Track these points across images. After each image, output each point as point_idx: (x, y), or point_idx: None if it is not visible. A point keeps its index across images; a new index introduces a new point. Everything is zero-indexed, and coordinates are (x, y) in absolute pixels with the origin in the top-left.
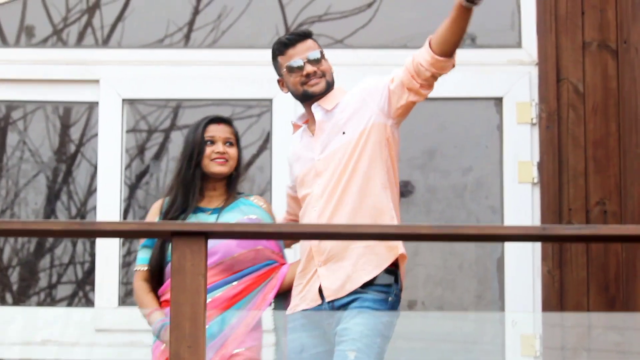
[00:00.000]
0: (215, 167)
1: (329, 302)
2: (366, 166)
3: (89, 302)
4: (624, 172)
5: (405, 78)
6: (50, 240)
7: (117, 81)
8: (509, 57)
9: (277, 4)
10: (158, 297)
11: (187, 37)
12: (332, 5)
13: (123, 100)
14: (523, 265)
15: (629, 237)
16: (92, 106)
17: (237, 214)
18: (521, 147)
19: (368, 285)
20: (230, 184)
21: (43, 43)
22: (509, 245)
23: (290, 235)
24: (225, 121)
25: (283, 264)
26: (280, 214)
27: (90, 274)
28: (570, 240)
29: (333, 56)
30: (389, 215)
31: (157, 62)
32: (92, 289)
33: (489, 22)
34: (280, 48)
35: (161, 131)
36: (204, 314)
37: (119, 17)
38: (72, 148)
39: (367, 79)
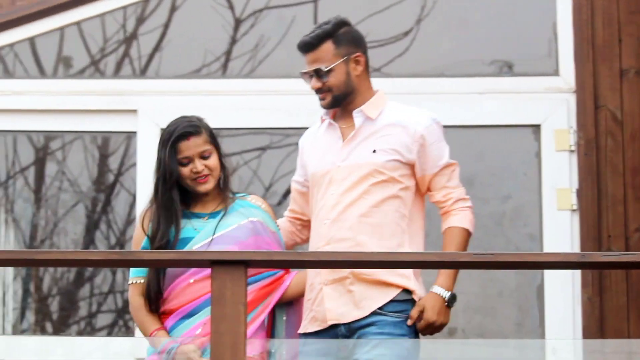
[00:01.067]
0: (200, 187)
1: (345, 325)
2: (384, 196)
3: (129, 331)
4: None
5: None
6: (90, 269)
7: (154, 111)
8: (547, 84)
9: None
10: (157, 311)
11: (225, 66)
12: (370, 34)
13: (161, 129)
14: (563, 292)
15: None
16: (130, 136)
17: (237, 218)
18: (560, 174)
19: (383, 306)
20: (222, 187)
21: (80, 74)
22: (548, 273)
23: (329, 264)
24: (193, 133)
25: (287, 272)
26: (282, 218)
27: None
28: (610, 268)
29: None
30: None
31: (195, 92)
32: (132, 318)
33: (527, 50)
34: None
35: None
36: (245, 342)
37: (156, 47)
38: (110, 178)
39: (428, 126)
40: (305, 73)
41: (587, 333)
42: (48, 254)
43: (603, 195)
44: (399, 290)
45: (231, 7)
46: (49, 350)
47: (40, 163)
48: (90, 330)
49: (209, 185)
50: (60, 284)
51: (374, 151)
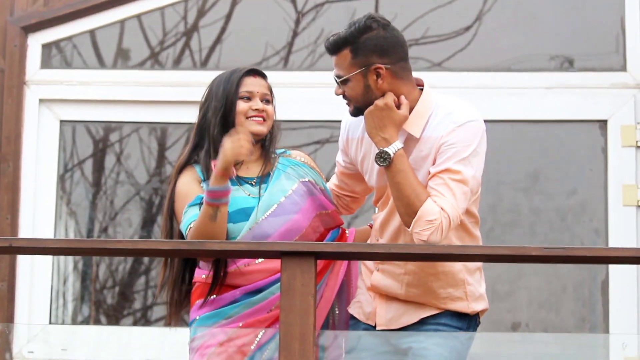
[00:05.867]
0: (254, 126)
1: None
2: None
3: (184, 323)
4: None
5: None
6: (146, 261)
7: None
8: (613, 80)
9: None
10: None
11: (286, 59)
12: (430, 29)
13: None
14: (627, 288)
15: None
16: (192, 128)
17: (289, 181)
18: (626, 170)
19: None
20: (269, 145)
21: (140, 66)
22: (613, 268)
23: (400, 256)
24: (260, 74)
25: (340, 223)
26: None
27: (186, 295)
28: None
29: (432, 79)
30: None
31: None
32: (187, 311)
33: (594, 45)
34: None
35: None
36: (314, 334)
37: (217, 40)
38: (169, 169)
39: (451, 130)
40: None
41: None
42: (119, 244)
43: None
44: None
45: (293, 0)
46: (105, 341)
47: (100, 154)
48: (145, 322)
49: (263, 128)
50: (116, 276)
51: (429, 172)
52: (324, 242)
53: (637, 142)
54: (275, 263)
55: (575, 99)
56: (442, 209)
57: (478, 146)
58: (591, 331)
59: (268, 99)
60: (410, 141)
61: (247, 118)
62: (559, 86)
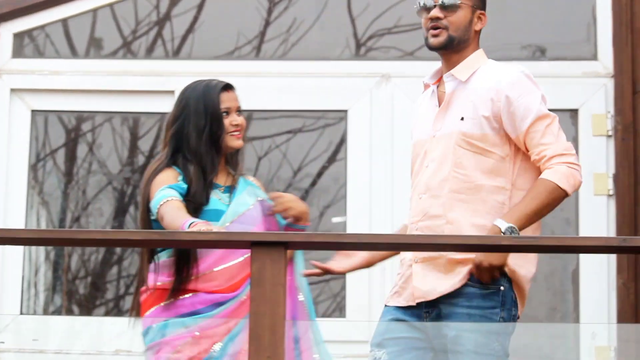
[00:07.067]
0: (234, 142)
1: (426, 310)
2: (476, 170)
3: None
4: None
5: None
6: (118, 251)
7: None
8: (585, 69)
9: (347, 16)
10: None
11: (258, 48)
12: (402, 18)
13: None
14: (598, 277)
15: None
16: (164, 117)
17: (250, 197)
18: (597, 159)
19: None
20: (234, 159)
21: (112, 55)
22: (584, 258)
23: (369, 245)
24: (232, 87)
25: None
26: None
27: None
28: None
29: (404, 68)
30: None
31: (227, 74)
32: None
33: (565, 34)
34: None
35: None
36: (284, 324)
37: (189, 29)
38: (141, 159)
39: (511, 81)
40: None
41: (622, 318)
42: (89, 234)
43: None
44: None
45: None
46: (77, 332)
47: (72, 144)
48: (117, 312)
49: (241, 142)
50: (88, 266)
51: (462, 118)
52: (294, 233)
53: (608, 131)
54: (236, 270)
55: (546, 88)
56: (560, 155)
57: (538, 88)
58: (562, 321)
59: (240, 110)
60: (458, 85)
61: (227, 134)
62: None
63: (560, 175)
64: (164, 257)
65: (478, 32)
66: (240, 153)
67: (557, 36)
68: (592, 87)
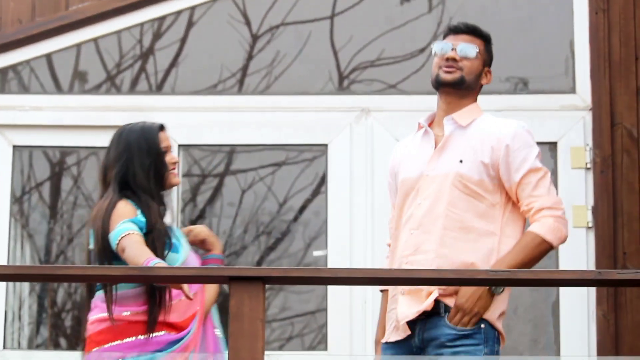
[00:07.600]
0: (175, 179)
1: (418, 336)
2: (469, 211)
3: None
4: None
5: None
6: None
7: (172, 127)
8: (563, 102)
9: (330, 49)
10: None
11: (241, 82)
12: (385, 51)
13: (179, 145)
14: (578, 309)
15: None
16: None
17: (187, 243)
18: (575, 191)
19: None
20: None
21: (96, 89)
22: (564, 290)
23: (347, 280)
24: (165, 127)
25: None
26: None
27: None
28: (626, 285)
29: (387, 101)
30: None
31: (211, 108)
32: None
33: (543, 68)
34: (446, 31)
35: (214, 176)
36: (263, 359)
37: (173, 63)
38: None
39: (513, 134)
40: (447, 42)
41: (602, 350)
42: (68, 270)
43: (619, 212)
44: None
45: (248, 23)
46: None
47: (55, 178)
48: None
49: (179, 179)
50: (74, 299)
51: (461, 161)
52: (272, 267)
53: (586, 163)
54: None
55: (525, 121)
56: (549, 207)
57: (535, 144)
58: (543, 353)
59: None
60: (456, 129)
61: (168, 171)
62: (509, 108)
63: (547, 229)
64: (125, 289)
65: (481, 87)
66: (169, 193)
67: (535, 70)
68: (570, 120)
